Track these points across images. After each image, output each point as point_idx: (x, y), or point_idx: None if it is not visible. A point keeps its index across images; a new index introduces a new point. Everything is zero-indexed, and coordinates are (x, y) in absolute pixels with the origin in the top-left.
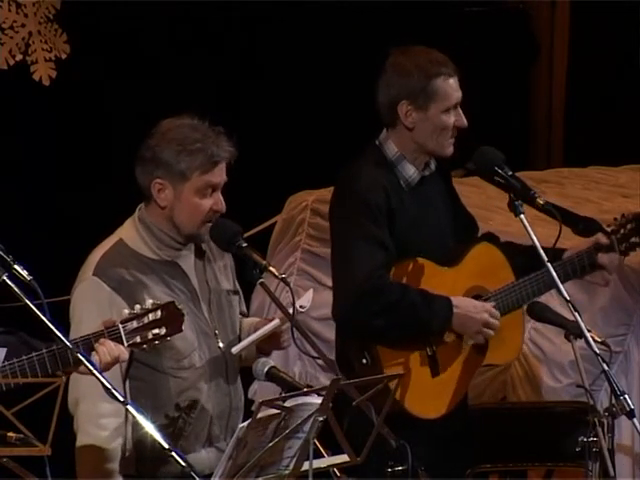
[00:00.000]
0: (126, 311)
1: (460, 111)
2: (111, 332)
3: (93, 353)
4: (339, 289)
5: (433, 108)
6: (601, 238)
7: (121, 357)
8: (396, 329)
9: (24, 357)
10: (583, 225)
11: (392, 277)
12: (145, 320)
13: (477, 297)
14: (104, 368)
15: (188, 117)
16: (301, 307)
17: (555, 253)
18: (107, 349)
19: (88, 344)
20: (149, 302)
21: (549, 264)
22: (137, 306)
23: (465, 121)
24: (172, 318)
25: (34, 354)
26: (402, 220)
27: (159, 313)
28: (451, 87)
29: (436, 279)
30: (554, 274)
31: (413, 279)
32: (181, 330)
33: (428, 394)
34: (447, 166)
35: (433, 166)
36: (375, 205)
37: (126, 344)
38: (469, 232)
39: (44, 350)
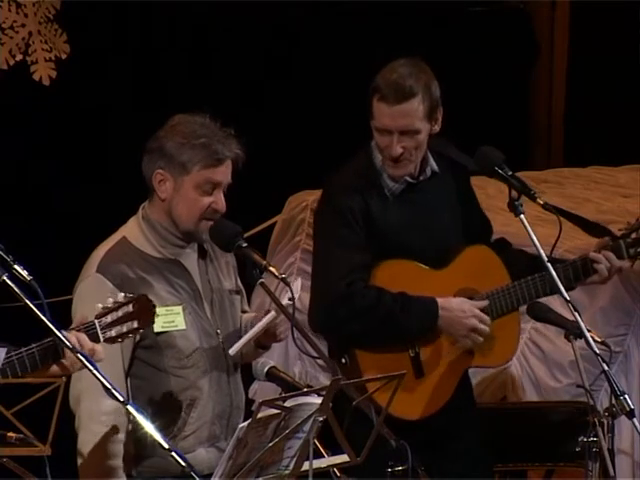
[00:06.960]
0: (100, 305)
1: (394, 139)
2: (87, 327)
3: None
4: (312, 296)
5: (373, 124)
6: (605, 241)
7: (96, 356)
8: (372, 333)
9: (13, 353)
10: (597, 231)
11: (375, 279)
12: (119, 313)
13: (469, 299)
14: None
15: (201, 115)
16: (289, 299)
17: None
18: (81, 341)
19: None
20: (120, 295)
21: (549, 264)
22: (110, 300)
23: (394, 152)
24: (144, 311)
25: (23, 349)
26: (386, 226)
27: (131, 306)
28: (380, 110)
29: (424, 281)
30: (554, 274)
31: (399, 281)
32: (153, 322)
33: (412, 395)
34: (463, 167)
35: (429, 171)
36: (349, 210)
37: (102, 339)
38: (481, 235)
39: (34, 345)
